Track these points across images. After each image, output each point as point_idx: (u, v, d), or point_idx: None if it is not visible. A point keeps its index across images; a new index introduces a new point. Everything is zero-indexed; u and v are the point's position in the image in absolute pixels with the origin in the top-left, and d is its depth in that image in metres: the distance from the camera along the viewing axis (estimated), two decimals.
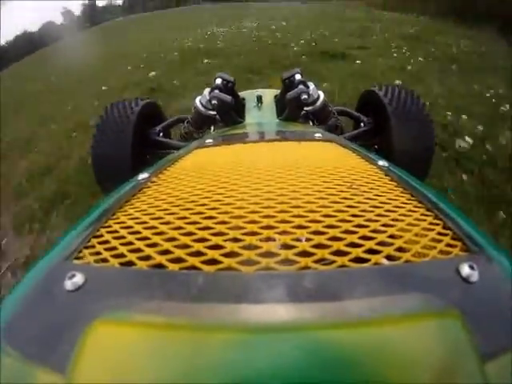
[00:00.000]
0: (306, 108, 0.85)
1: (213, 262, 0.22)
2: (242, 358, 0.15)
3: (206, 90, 0.89)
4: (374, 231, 0.24)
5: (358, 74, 2.82)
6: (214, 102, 0.75)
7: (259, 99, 0.96)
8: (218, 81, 0.85)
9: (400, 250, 0.23)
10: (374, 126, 1.08)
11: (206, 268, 0.21)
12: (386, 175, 0.36)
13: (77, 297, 0.20)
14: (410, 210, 0.28)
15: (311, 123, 0.97)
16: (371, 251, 0.23)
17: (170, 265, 0.22)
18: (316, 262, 0.21)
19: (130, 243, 0.25)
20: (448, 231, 0.25)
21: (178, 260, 0.22)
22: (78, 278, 0.21)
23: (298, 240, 0.24)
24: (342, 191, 0.30)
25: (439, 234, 0.25)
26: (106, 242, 0.25)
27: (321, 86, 2.21)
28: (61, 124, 2.53)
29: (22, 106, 3.42)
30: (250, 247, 0.23)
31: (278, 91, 1.02)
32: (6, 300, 0.22)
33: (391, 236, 0.24)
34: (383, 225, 0.25)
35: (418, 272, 0.21)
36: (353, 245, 0.23)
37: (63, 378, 0.16)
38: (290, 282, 0.19)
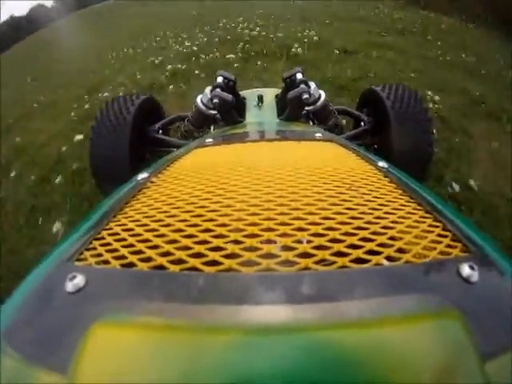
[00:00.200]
0: (306, 108, 0.85)
1: (213, 263, 0.22)
2: (243, 360, 0.15)
3: (208, 89, 0.88)
4: (374, 233, 0.24)
5: None
6: (215, 100, 0.74)
7: (260, 99, 0.96)
8: (220, 79, 0.84)
9: (400, 251, 0.23)
10: (373, 126, 1.08)
11: (206, 269, 0.21)
12: (385, 176, 0.36)
13: (78, 298, 0.20)
14: (410, 212, 0.28)
15: (311, 123, 0.97)
16: (371, 252, 0.23)
17: (171, 266, 0.22)
18: (316, 263, 0.21)
19: (131, 245, 0.25)
20: (448, 232, 0.25)
21: (179, 261, 0.22)
22: (79, 280, 0.21)
23: (299, 242, 0.24)
24: (341, 193, 0.30)
25: (439, 235, 0.25)
26: (107, 243, 0.25)
27: None
28: None
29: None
30: (250, 249, 0.23)
31: (279, 90, 1.02)
32: (8, 301, 0.22)
33: (391, 238, 0.24)
34: (383, 227, 0.25)
35: (419, 272, 0.21)
36: (353, 246, 0.23)
37: (64, 379, 0.16)
38: (291, 283, 0.19)
